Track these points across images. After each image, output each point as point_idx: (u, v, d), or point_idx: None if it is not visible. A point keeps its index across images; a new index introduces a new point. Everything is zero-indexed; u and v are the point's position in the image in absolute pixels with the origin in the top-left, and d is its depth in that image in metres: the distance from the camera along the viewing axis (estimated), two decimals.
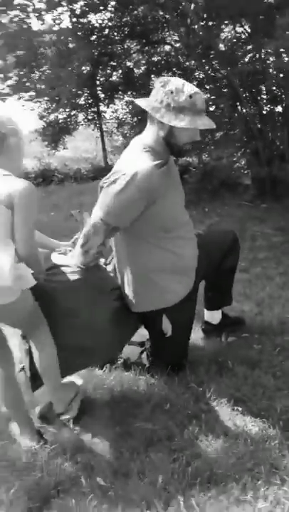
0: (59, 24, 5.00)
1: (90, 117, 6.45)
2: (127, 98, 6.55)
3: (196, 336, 2.69)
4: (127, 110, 6.58)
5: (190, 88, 1.96)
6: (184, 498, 1.65)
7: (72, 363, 2.12)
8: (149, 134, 2.07)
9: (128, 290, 2.25)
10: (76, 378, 2.26)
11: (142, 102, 2.02)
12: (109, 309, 2.19)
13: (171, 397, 2.16)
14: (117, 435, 1.96)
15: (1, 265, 1.69)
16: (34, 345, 1.95)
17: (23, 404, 1.98)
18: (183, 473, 1.75)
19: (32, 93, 5.48)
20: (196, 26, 5.00)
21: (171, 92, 1.93)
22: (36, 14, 4.37)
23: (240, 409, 2.11)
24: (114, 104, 6.58)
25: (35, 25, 4.64)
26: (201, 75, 5.44)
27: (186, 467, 1.78)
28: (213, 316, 2.75)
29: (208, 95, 5.36)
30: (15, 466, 1.83)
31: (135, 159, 2.02)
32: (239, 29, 5.47)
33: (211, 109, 5.41)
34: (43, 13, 4.51)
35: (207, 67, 5.23)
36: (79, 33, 5.55)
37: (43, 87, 5.46)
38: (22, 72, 5.12)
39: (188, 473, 1.74)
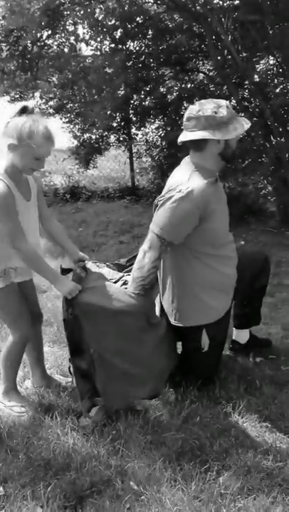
0: (100, 49, 5.22)
1: (121, 139, 6.62)
2: (158, 122, 6.71)
3: (224, 354, 2.73)
4: (157, 134, 6.73)
5: (219, 101, 2.14)
6: (215, 507, 1.69)
7: (126, 391, 2.20)
8: (199, 156, 2.19)
9: (171, 304, 2.32)
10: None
11: (192, 136, 2.13)
12: (157, 339, 2.28)
13: (201, 411, 2.21)
14: (150, 443, 2.01)
15: None
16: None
17: None
18: (214, 483, 1.79)
19: (72, 115, 5.68)
20: (229, 56, 5.16)
21: (215, 113, 2.09)
22: (84, 40, 4.61)
23: (268, 426, 2.15)
24: (146, 127, 6.74)
25: (79, 49, 4.85)
26: (233, 103, 5.58)
27: (217, 477, 1.82)
28: (241, 336, 2.80)
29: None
30: (50, 465, 1.89)
31: (188, 178, 2.14)
32: (272, 61, 5.64)
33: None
34: (89, 39, 4.74)
35: (240, 97, 5.37)
36: (116, 58, 5.74)
37: (82, 109, 5.65)
38: (65, 94, 5.33)
39: (220, 483, 1.79)
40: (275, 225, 5.80)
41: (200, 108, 2.12)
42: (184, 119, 2.18)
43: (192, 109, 2.15)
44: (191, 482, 1.78)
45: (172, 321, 2.34)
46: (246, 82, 5.19)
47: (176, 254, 2.27)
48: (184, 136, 2.18)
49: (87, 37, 4.86)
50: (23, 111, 1.96)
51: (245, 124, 2.16)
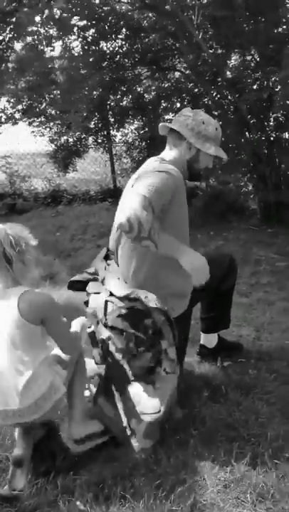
0: (70, 50, 5.12)
1: (99, 140, 6.54)
2: (136, 122, 6.64)
3: (191, 359, 2.66)
4: (137, 134, 6.66)
5: (215, 122, 2.26)
6: None
7: None
8: (172, 154, 2.23)
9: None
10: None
11: (175, 126, 2.21)
12: None
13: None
14: (103, 458, 1.92)
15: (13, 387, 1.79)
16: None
17: None
18: (166, 500, 1.70)
19: (42, 119, 5.58)
20: (204, 54, 5.09)
21: (203, 123, 2.19)
22: (46, 41, 4.49)
23: (231, 435, 2.06)
24: (124, 128, 6.67)
25: (47, 51, 4.72)
26: (205, 100, 5.52)
27: (170, 493, 1.73)
28: (209, 340, 2.72)
29: (216, 120, 5.43)
30: None
31: (160, 164, 2.14)
32: (248, 57, 5.57)
33: None
34: (54, 40, 4.65)
35: (215, 94, 5.30)
36: (90, 59, 5.67)
37: (53, 112, 5.56)
38: (33, 97, 5.23)
39: (171, 499, 1.70)
40: (257, 222, 5.73)
41: (194, 113, 2.23)
42: (177, 114, 2.27)
43: (187, 110, 2.26)
44: (140, 500, 1.69)
45: None
46: (219, 80, 5.12)
47: (140, 254, 2.16)
48: (167, 124, 2.25)
49: (54, 39, 4.74)
50: None
51: (221, 152, 2.23)
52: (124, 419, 2.02)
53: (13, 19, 4.08)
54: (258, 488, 1.76)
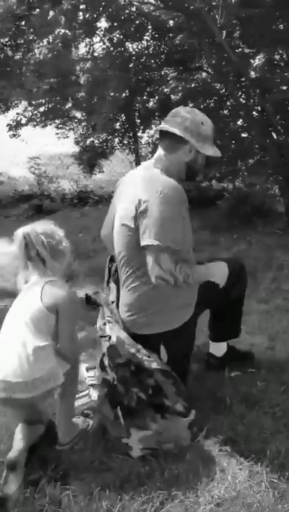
0: (93, 52, 5.12)
1: (125, 142, 6.53)
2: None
3: (198, 368, 2.59)
4: None
5: (209, 119, 2.18)
6: None
7: None
8: (170, 159, 2.15)
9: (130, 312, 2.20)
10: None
11: (174, 129, 2.11)
12: None
13: None
14: (95, 468, 1.89)
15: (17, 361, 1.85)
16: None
17: None
18: None
19: (65, 119, 5.60)
20: (226, 54, 4.99)
21: (202, 123, 2.12)
22: (72, 42, 4.49)
23: (230, 450, 1.99)
24: (151, 129, 6.63)
25: (69, 53, 4.69)
26: (232, 101, 5.41)
27: (159, 510, 1.68)
28: (218, 348, 2.64)
29: (241, 122, 5.33)
30: None
31: (157, 178, 2.09)
32: (277, 56, 5.43)
33: (244, 135, 5.36)
34: (79, 40, 4.65)
35: (240, 94, 5.19)
36: (117, 61, 5.66)
37: (77, 114, 5.58)
38: (55, 100, 5.25)
39: None
40: (283, 226, 5.58)
41: (192, 113, 2.14)
42: (171, 114, 2.16)
43: (183, 109, 2.16)
44: None
45: (133, 330, 2.20)
46: (242, 80, 5.01)
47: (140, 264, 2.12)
48: (166, 127, 2.14)
49: (80, 41, 4.74)
50: None
51: (217, 152, 2.18)
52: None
53: (23, 22, 4.10)
54: (252, 508, 1.68)
